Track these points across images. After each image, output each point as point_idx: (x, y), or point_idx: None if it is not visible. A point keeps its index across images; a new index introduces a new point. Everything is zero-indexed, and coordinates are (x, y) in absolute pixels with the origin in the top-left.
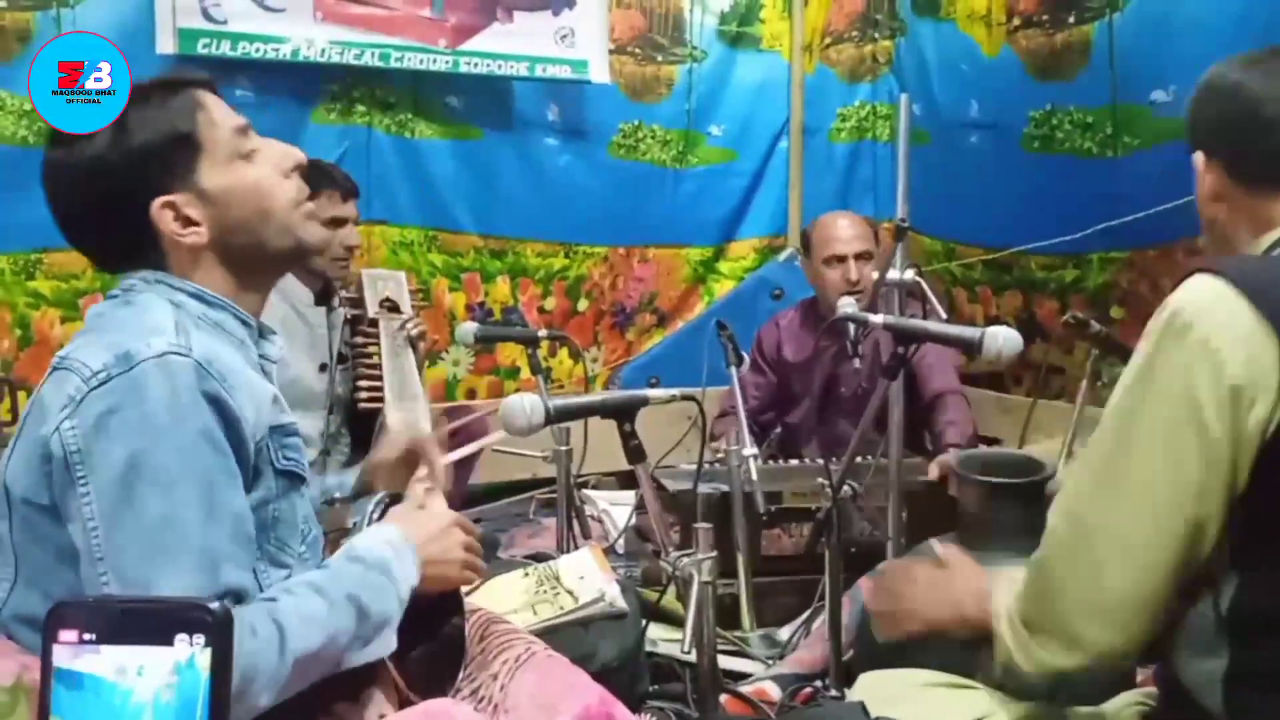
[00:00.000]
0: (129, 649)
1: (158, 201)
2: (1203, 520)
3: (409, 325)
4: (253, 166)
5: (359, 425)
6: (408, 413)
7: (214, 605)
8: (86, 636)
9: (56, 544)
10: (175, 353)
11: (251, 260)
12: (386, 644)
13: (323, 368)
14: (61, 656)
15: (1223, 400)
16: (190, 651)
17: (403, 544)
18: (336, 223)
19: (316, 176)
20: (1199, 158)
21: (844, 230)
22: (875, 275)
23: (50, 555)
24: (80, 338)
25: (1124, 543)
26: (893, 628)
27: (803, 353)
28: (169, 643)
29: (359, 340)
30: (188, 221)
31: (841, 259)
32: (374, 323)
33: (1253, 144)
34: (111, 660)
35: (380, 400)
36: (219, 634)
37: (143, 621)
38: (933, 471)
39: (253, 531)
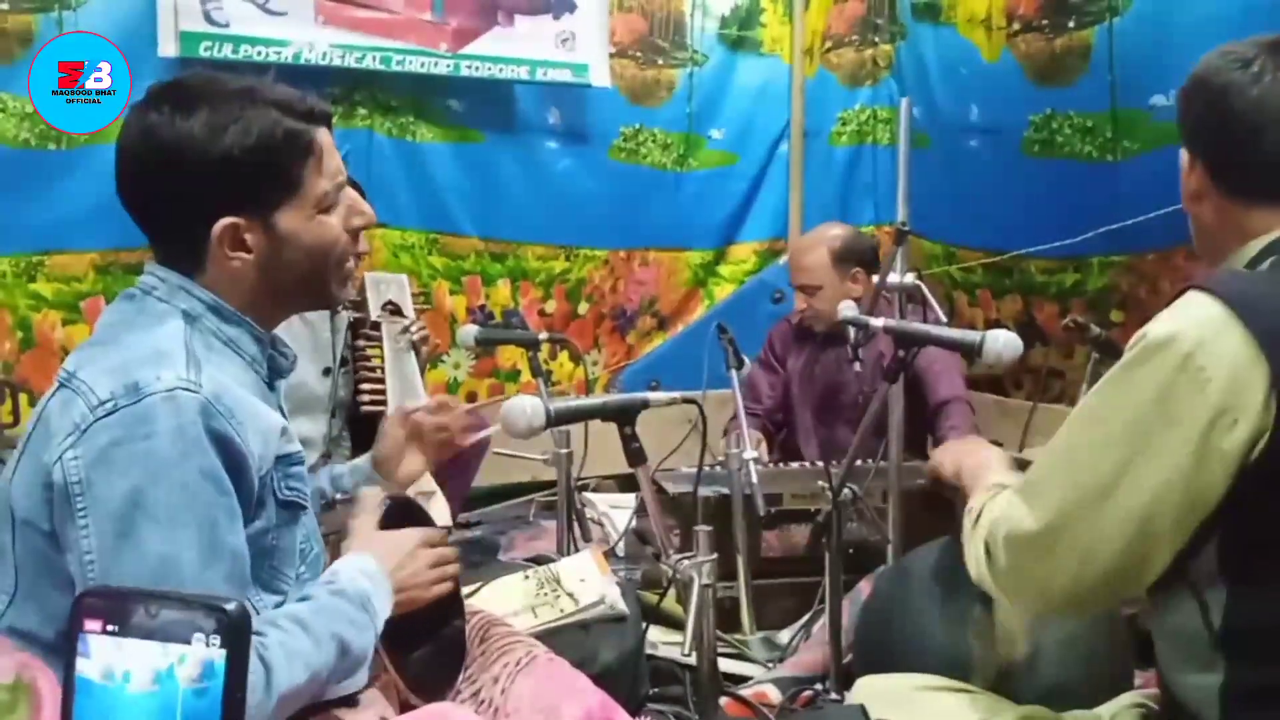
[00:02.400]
0: (149, 643)
1: (225, 221)
2: (1156, 530)
3: (412, 329)
4: (328, 219)
5: (360, 428)
6: None
7: (230, 606)
8: (110, 627)
9: (53, 569)
10: (184, 389)
11: (280, 295)
12: (360, 678)
13: (326, 371)
14: (85, 644)
15: (1203, 419)
16: (206, 651)
17: (379, 575)
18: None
19: None
20: (1184, 155)
21: (793, 259)
22: (850, 299)
23: (47, 579)
24: (89, 348)
25: (1072, 539)
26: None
27: (797, 356)
28: (187, 641)
29: (361, 344)
30: (240, 245)
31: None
32: (376, 326)
33: (1236, 153)
34: (131, 653)
35: (382, 404)
36: (235, 636)
37: (164, 618)
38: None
39: (249, 572)
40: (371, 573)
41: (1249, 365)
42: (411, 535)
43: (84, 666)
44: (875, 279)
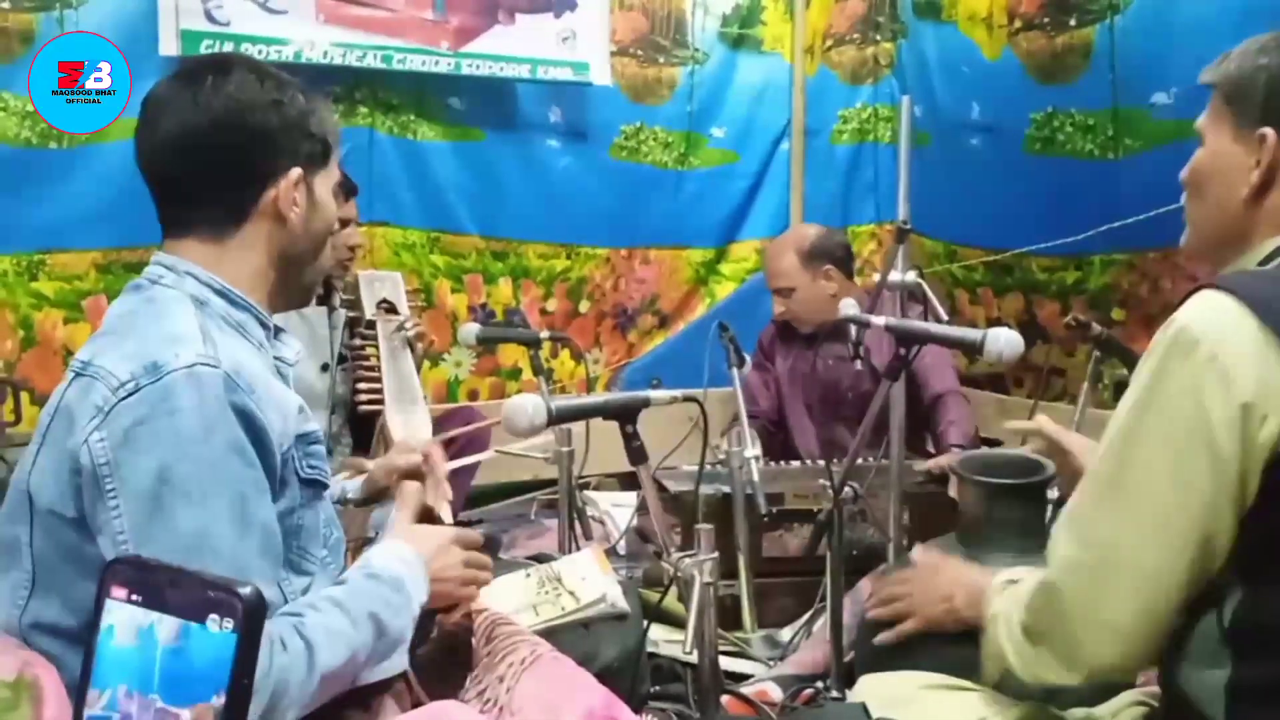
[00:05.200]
0: (167, 618)
1: (299, 170)
2: (1212, 538)
3: (406, 326)
4: (335, 200)
5: (360, 426)
6: (407, 415)
7: (245, 591)
8: (135, 596)
9: (80, 556)
10: (204, 364)
11: (293, 272)
12: (399, 661)
13: (324, 368)
14: (110, 611)
15: (1233, 417)
16: (219, 633)
17: (415, 560)
18: (341, 223)
19: None
20: (1269, 134)
21: (766, 264)
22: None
23: (72, 567)
24: (101, 339)
25: (1134, 565)
26: (890, 630)
27: (784, 356)
28: (202, 620)
29: (357, 342)
30: (292, 201)
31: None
32: (371, 324)
33: None
34: (151, 623)
35: (379, 402)
36: (248, 621)
37: (184, 595)
38: (933, 464)
39: (280, 545)
40: (407, 558)
41: (1270, 359)
42: (444, 531)
43: (111, 624)
44: (869, 276)
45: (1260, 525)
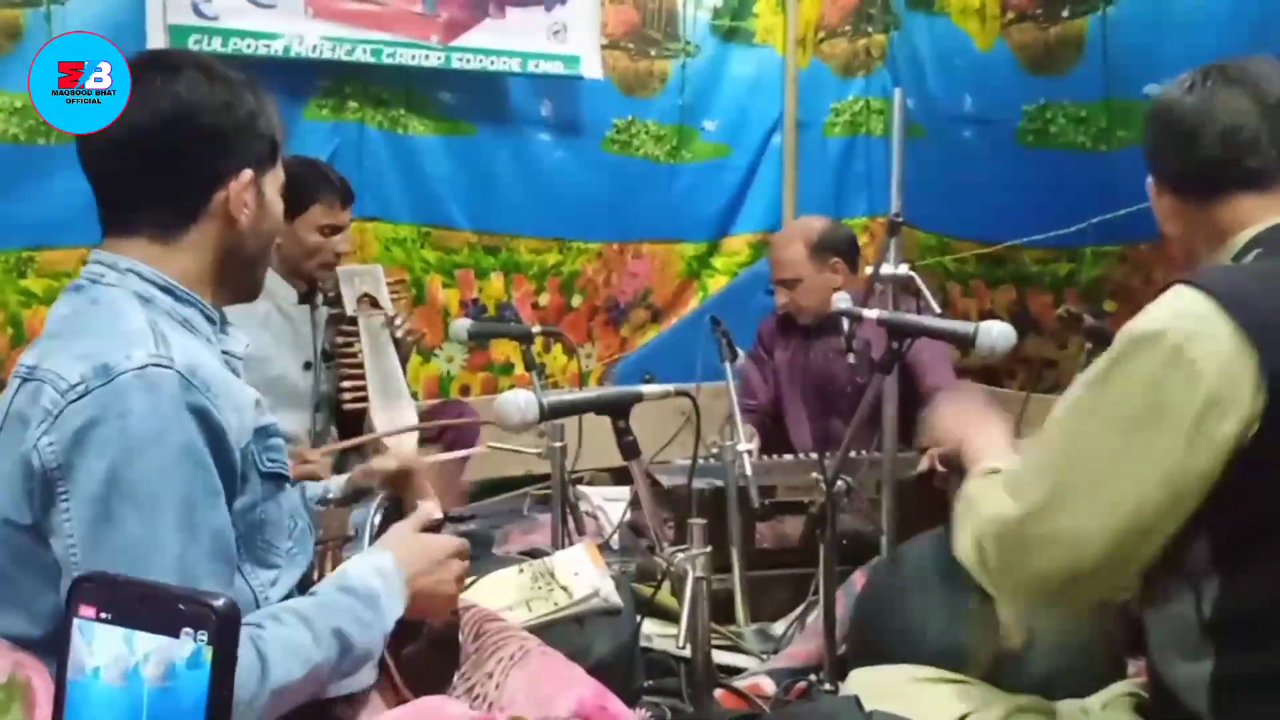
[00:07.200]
0: (139, 634)
1: (250, 172)
2: (1144, 522)
3: (395, 323)
4: (280, 206)
5: (346, 424)
6: (392, 411)
7: (219, 603)
8: (104, 615)
9: (39, 565)
10: (157, 364)
11: (238, 271)
12: (366, 676)
13: (307, 366)
14: (80, 631)
15: (1194, 410)
16: (194, 647)
17: (394, 575)
18: (332, 230)
19: (315, 180)
20: (1150, 183)
21: (772, 254)
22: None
23: (32, 577)
24: (47, 342)
25: (1059, 529)
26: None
27: (784, 349)
28: (175, 635)
29: (340, 340)
30: (243, 202)
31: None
32: (354, 320)
33: (1185, 157)
34: (123, 642)
35: (364, 400)
36: (223, 633)
37: (155, 609)
38: (923, 464)
39: (233, 548)
40: (386, 571)
41: (1237, 356)
42: (445, 545)
43: (82, 643)
44: (863, 269)
45: (1233, 516)
